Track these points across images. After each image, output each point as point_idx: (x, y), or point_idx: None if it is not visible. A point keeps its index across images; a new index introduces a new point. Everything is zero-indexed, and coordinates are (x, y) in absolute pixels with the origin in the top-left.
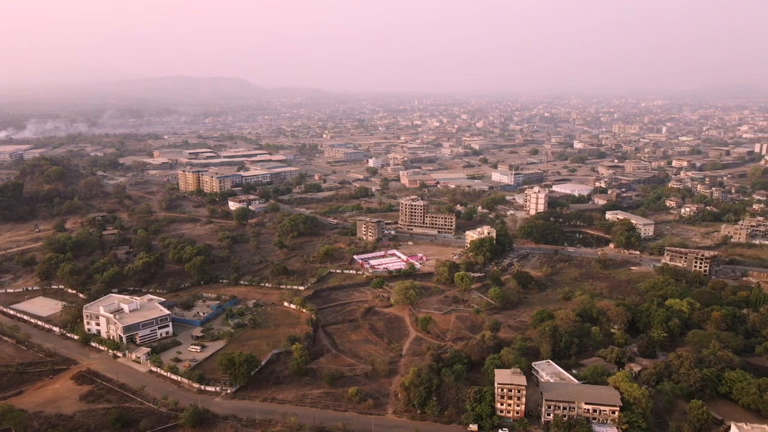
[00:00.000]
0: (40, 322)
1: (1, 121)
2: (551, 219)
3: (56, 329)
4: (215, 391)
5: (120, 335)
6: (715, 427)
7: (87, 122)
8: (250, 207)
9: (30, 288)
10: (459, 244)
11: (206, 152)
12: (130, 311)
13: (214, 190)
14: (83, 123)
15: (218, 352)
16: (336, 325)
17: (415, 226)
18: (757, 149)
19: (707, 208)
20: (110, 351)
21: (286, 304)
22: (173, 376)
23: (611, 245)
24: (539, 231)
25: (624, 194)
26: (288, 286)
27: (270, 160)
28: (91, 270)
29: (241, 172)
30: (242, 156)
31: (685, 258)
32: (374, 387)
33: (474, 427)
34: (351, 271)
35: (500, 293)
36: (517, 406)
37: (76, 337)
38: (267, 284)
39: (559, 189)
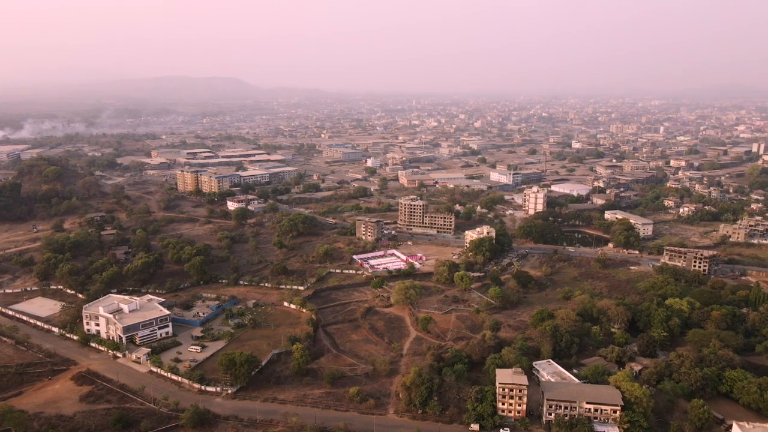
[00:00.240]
0: (39, 323)
1: None
2: (550, 219)
3: (55, 330)
4: (216, 391)
5: (120, 335)
6: (716, 426)
7: (84, 122)
8: (249, 207)
9: (29, 288)
10: (458, 244)
11: (204, 152)
12: (129, 311)
13: (213, 190)
14: (80, 123)
15: (218, 353)
16: (336, 325)
17: (414, 225)
18: (754, 149)
19: (705, 207)
20: (110, 351)
21: (285, 304)
22: (174, 377)
23: (610, 245)
24: (538, 231)
25: (622, 194)
26: (288, 286)
27: (268, 160)
28: (90, 270)
29: (240, 172)
30: (240, 156)
31: (684, 257)
32: (375, 387)
33: (475, 426)
34: (350, 271)
35: (500, 293)
36: (519, 405)
37: (75, 337)
38: (266, 284)
39: (558, 189)
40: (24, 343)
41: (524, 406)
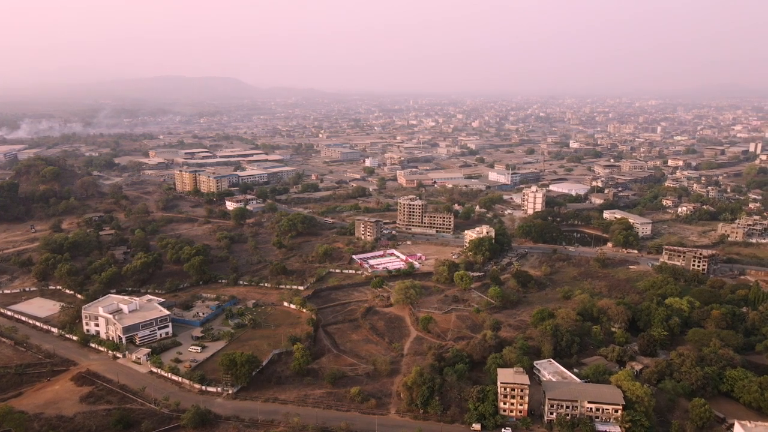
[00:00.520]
0: (38, 323)
1: None
2: (549, 218)
3: (55, 330)
4: (217, 391)
5: (119, 336)
6: (718, 425)
7: (81, 122)
8: (248, 207)
9: (27, 289)
10: (457, 244)
11: (202, 152)
12: (129, 312)
13: (211, 190)
14: (78, 123)
15: (219, 353)
16: (336, 324)
17: (413, 225)
18: (751, 149)
19: (704, 207)
20: (110, 352)
21: (285, 304)
22: (174, 377)
23: (609, 244)
24: (537, 230)
25: (621, 193)
26: (287, 286)
27: (266, 160)
28: (88, 270)
29: (238, 172)
30: (238, 156)
31: (684, 257)
32: (376, 387)
33: (477, 426)
34: (350, 271)
35: (500, 292)
36: (520, 405)
37: (75, 338)
38: (266, 284)
39: (556, 188)
40: (23, 343)
41: (526, 406)
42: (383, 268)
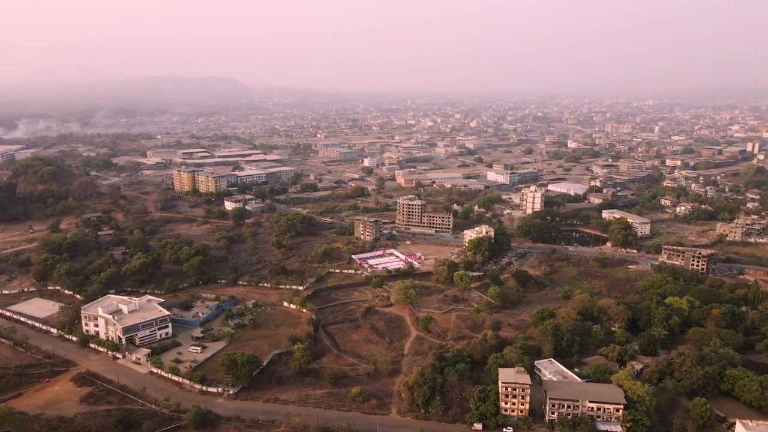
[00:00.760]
0: (37, 324)
1: None
2: (548, 218)
3: (54, 331)
4: (217, 392)
5: (119, 336)
6: (718, 424)
7: (79, 122)
8: (247, 207)
9: (26, 289)
10: (457, 243)
11: (200, 152)
12: (129, 312)
13: (210, 190)
14: (75, 123)
15: (219, 353)
16: (336, 324)
17: (412, 225)
18: (749, 148)
19: (702, 206)
20: (110, 352)
21: (285, 304)
22: (174, 377)
23: (608, 244)
24: (537, 230)
25: (619, 193)
26: (287, 286)
27: (265, 160)
28: (87, 271)
29: (237, 172)
30: (237, 156)
31: (683, 256)
32: (377, 387)
33: (478, 426)
34: (350, 271)
35: (500, 292)
36: (522, 404)
37: (74, 338)
38: (266, 284)
39: (555, 188)
40: (22, 344)
41: (527, 405)
42: (383, 268)
